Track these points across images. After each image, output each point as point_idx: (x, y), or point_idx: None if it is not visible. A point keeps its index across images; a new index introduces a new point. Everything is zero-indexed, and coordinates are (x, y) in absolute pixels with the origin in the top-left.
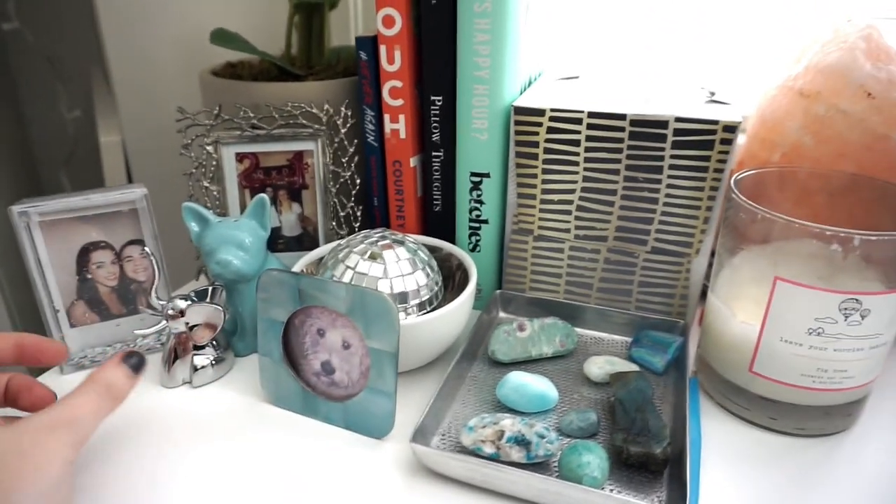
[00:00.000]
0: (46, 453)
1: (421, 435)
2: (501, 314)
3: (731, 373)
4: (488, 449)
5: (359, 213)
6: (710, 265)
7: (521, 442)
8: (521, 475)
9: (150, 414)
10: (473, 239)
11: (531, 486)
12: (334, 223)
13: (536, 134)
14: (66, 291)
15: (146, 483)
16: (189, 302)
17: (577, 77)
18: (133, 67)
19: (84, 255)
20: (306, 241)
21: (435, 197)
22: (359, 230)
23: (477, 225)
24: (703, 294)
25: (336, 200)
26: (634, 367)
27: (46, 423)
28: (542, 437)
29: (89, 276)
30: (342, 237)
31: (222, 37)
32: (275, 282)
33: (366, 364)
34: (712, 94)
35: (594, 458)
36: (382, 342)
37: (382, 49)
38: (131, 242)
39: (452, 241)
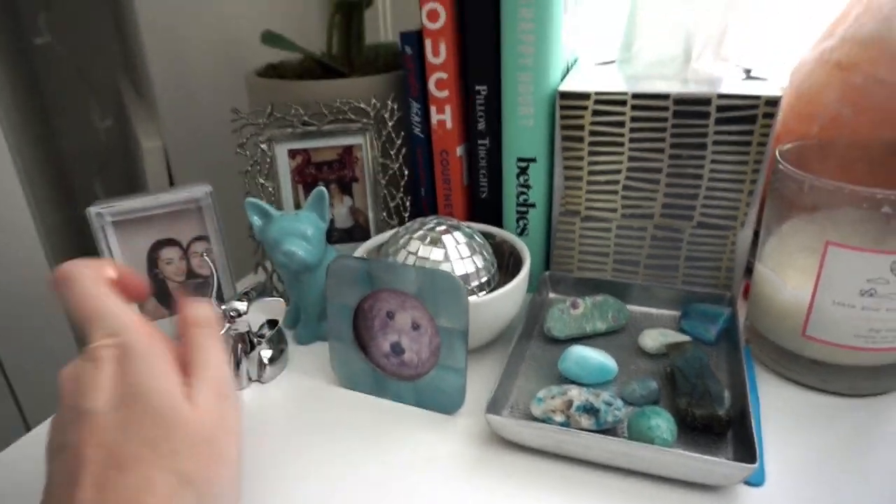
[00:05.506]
0: (236, 432)
1: (493, 407)
2: (552, 295)
3: (783, 339)
4: (558, 418)
5: (408, 204)
6: (755, 237)
7: (590, 410)
8: (595, 439)
9: None
10: (521, 223)
11: (605, 448)
12: (385, 214)
13: (582, 117)
14: None
15: (251, 479)
16: (246, 302)
17: (613, 62)
18: (171, 73)
19: (154, 252)
20: (358, 232)
21: (482, 184)
22: (408, 220)
23: (524, 209)
24: (748, 270)
25: (386, 192)
26: (687, 338)
27: (223, 393)
28: (609, 404)
29: (159, 273)
30: (392, 227)
31: (271, 38)
32: (345, 268)
33: (435, 343)
34: (748, 71)
35: (663, 422)
36: (452, 320)
37: (427, 42)
38: (197, 239)
39: (500, 227)
